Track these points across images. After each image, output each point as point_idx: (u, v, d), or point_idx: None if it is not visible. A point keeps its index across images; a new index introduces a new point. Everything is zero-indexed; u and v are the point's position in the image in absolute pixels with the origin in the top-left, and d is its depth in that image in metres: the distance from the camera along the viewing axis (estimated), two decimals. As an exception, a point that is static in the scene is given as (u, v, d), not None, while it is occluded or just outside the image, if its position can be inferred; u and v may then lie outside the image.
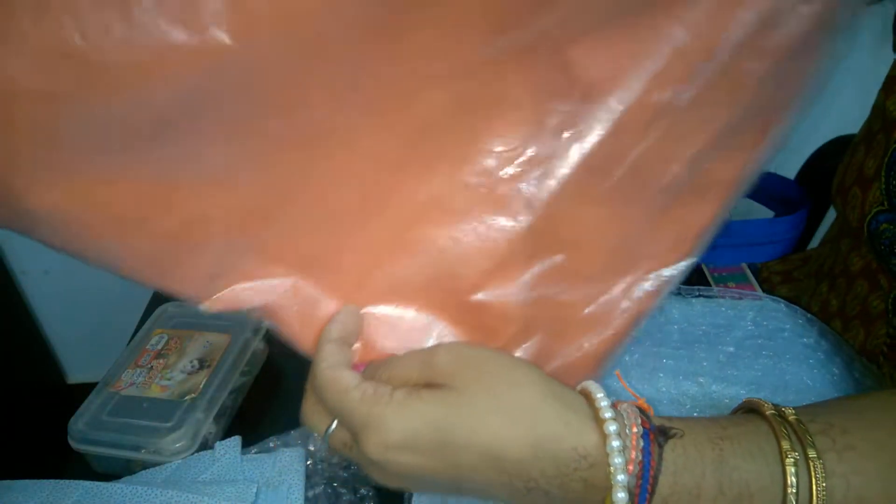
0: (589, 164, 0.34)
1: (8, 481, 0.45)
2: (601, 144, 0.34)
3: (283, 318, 0.35)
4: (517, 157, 0.34)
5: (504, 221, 0.35)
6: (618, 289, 0.37)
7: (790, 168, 0.76)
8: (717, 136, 0.34)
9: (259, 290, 0.34)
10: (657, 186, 0.35)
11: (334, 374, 0.32)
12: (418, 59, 0.31)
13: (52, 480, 0.45)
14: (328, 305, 0.35)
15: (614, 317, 0.37)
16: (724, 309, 0.53)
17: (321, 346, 0.33)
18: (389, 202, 0.35)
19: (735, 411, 0.34)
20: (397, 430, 0.29)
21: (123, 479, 0.46)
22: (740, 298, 0.53)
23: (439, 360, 0.31)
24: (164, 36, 0.25)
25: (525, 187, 0.34)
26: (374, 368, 0.33)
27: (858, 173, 0.49)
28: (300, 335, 0.35)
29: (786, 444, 0.28)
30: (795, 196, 0.69)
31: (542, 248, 0.35)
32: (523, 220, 0.35)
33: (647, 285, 0.37)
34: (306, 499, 0.45)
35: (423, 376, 0.31)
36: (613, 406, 0.30)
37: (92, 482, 0.44)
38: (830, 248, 0.57)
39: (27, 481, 0.45)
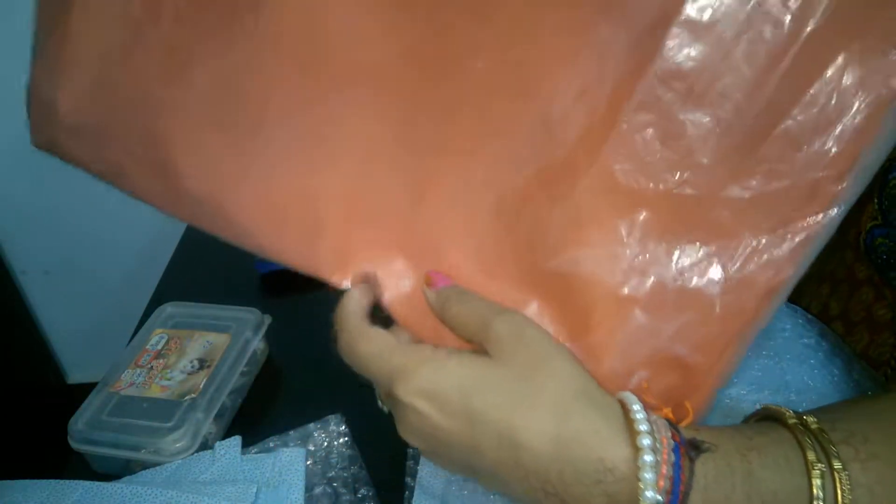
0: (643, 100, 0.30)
1: (8, 481, 0.45)
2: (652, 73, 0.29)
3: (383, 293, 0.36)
4: (572, 101, 0.31)
5: (567, 177, 0.32)
6: (728, 256, 0.30)
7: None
8: (820, 38, 0.27)
9: (375, 265, 0.36)
10: (751, 117, 0.29)
11: (367, 330, 0.33)
12: (470, 27, 0.32)
13: (52, 480, 0.45)
14: (413, 280, 0.36)
15: (717, 295, 0.30)
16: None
17: (347, 314, 0.34)
18: (443, 179, 0.35)
19: (750, 417, 0.33)
20: (427, 378, 0.30)
21: (123, 479, 0.46)
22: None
23: (497, 328, 0.31)
24: None
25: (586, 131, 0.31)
26: (452, 292, 0.34)
27: None
28: (394, 309, 0.36)
29: (811, 455, 0.28)
30: None
31: (615, 205, 0.31)
32: (589, 175, 0.31)
33: (768, 251, 0.29)
34: (306, 499, 0.45)
35: (479, 333, 0.32)
36: (648, 418, 0.28)
37: (92, 482, 0.44)
38: (831, 251, 0.57)
39: (27, 481, 0.45)
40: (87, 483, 0.44)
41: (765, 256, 0.30)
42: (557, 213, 0.32)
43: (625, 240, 0.31)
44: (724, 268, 0.30)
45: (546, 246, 0.33)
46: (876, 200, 0.45)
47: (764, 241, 0.30)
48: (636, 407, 0.29)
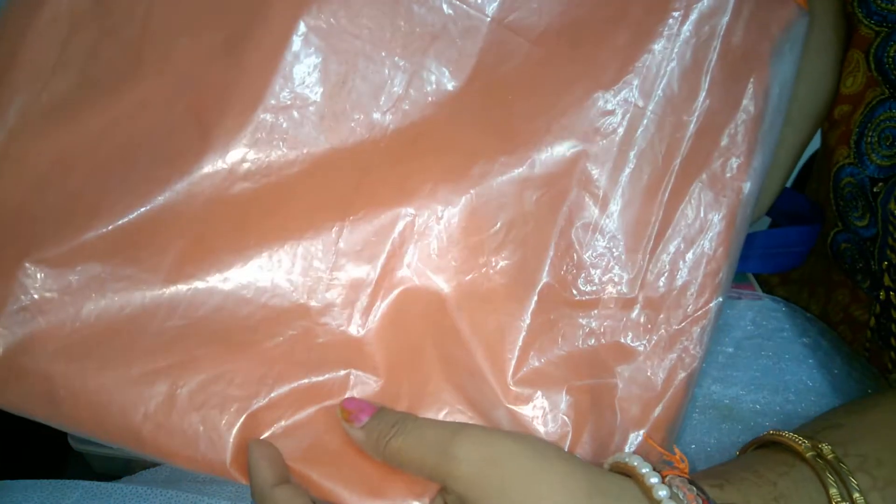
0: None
1: (8, 481, 0.45)
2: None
3: None
4: None
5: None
6: (656, 346, 0.35)
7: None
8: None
9: None
10: (651, 235, 0.36)
11: None
12: None
13: (52, 480, 0.45)
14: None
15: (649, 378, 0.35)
16: (723, 309, 0.53)
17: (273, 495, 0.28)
18: None
19: (753, 443, 0.33)
20: None
21: (123, 479, 0.46)
22: (739, 298, 0.53)
23: (461, 463, 0.27)
24: None
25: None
26: (386, 422, 0.29)
27: (815, 199, 0.53)
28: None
29: (833, 492, 0.28)
30: (805, 209, 0.67)
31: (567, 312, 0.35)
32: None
33: (683, 336, 0.36)
34: (306, 499, 0.45)
35: (438, 468, 0.27)
36: (671, 492, 0.27)
37: (92, 482, 0.44)
38: (814, 256, 0.58)
39: (27, 481, 0.45)
40: (87, 483, 0.44)
41: (682, 341, 0.36)
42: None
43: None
44: (655, 355, 0.36)
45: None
46: (833, 204, 0.46)
47: (675, 329, 0.36)
48: (654, 481, 0.27)
